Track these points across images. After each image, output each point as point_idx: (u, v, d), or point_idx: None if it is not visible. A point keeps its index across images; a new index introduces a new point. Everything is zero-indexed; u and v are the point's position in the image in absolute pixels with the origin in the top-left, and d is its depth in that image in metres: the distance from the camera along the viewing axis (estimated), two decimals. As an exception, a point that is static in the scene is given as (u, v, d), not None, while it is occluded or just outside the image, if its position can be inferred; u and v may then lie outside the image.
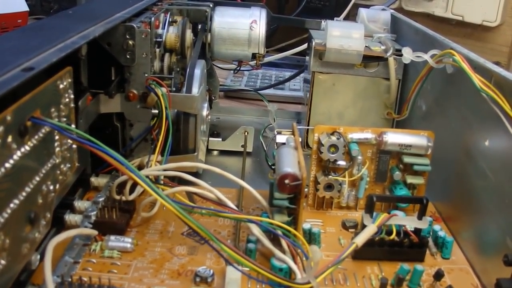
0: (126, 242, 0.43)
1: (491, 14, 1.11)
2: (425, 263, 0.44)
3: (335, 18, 0.74)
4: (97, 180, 0.50)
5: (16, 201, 0.31)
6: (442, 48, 0.51)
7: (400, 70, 0.65)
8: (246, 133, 0.68)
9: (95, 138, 0.36)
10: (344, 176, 0.50)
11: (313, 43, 0.64)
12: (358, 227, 0.47)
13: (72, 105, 0.39)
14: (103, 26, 0.44)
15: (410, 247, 0.44)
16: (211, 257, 0.43)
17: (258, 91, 0.87)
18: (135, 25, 0.49)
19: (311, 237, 0.45)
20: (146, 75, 0.51)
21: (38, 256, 0.35)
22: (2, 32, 0.97)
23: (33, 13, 1.17)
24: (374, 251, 0.44)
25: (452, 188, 0.51)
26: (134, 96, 0.52)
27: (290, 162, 0.43)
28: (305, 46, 0.83)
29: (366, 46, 0.63)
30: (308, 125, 0.67)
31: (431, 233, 0.47)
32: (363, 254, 0.43)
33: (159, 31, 0.55)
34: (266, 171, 0.61)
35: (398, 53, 0.63)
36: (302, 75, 0.91)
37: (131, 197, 0.46)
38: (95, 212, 0.44)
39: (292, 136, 0.49)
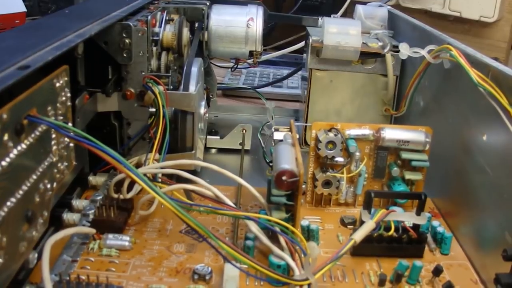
0: (124, 240, 0.43)
1: (489, 10, 1.11)
2: (424, 259, 0.44)
3: (332, 15, 0.74)
4: (95, 179, 0.50)
5: (13, 200, 0.31)
6: (439, 44, 0.51)
7: (397, 66, 0.65)
8: (244, 131, 0.68)
9: (92, 136, 0.36)
10: (342, 173, 0.50)
11: (310, 40, 0.64)
12: (357, 223, 0.47)
13: (69, 103, 0.39)
14: (99, 24, 0.44)
15: (408, 243, 0.44)
16: (209, 254, 0.43)
17: (256, 89, 0.87)
18: (131, 24, 0.49)
19: (309, 234, 0.45)
20: (143, 73, 0.51)
21: (36, 255, 0.35)
22: (-1, 32, 0.96)
23: (30, 13, 1.16)
24: (372, 247, 0.44)
25: (450, 183, 0.51)
26: (131, 94, 0.52)
27: (288, 159, 0.43)
28: (302, 44, 0.83)
29: (363, 43, 0.63)
30: (305, 122, 0.67)
31: (429, 229, 0.47)
32: (361, 250, 0.43)
33: (156, 29, 0.55)
34: (264, 169, 0.61)
35: (395, 49, 0.63)
36: (300, 73, 0.91)
37: (129, 196, 0.46)
38: (93, 211, 0.44)
39: (290, 133, 0.49)
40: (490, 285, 0.41)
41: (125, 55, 0.50)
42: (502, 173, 0.41)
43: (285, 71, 1.01)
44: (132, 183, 0.46)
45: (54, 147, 0.37)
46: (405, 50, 0.56)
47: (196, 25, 0.66)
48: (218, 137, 0.68)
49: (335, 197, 0.51)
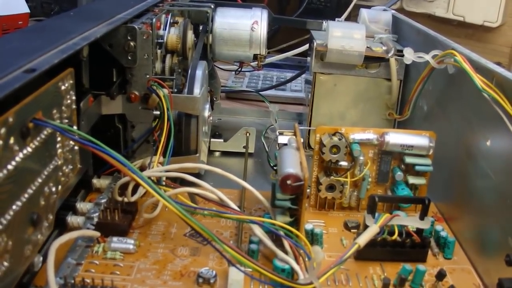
0: (128, 243, 0.43)
1: (492, 15, 1.11)
2: (427, 263, 0.44)
3: (336, 19, 0.74)
4: (99, 182, 0.50)
5: (19, 203, 0.31)
6: (444, 49, 0.51)
7: (401, 70, 0.65)
8: (247, 134, 0.68)
9: (97, 139, 0.36)
10: (346, 177, 0.50)
11: (315, 44, 0.64)
12: (360, 227, 0.47)
13: (74, 106, 0.39)
14: (104, 27, 0.45)
15: (412, 248, 0.44)
16: (213, 258, 0.43)
17: (260, 92, 0.87)
18: (136, 26, 0.49)
19: (313, 238, 0.45)
20: (148, 76, 0.51)
21: (41, 258, 0.35)
22: (3, 34, 0.97)
23: (33, 14, 1.17)
24: (376, 251, 0.44)
25: (454, 188, 0.51)
26: (135, 97, 0.52)
27: (292, 163, 0.43)
28: (306, 47, 0.83)
29: (367, 47, 0.63)
30: (309, 126, 0.67)
31: (433, 233, 0.47)
32: (365, 254, 0.43)
33: (161, 32, 0.55)
34: (268, 172, 0.61)
35: (399, 53, 0.63)
36: (303, 76, 0.91)
37: (133, 199, 0.46)
38: (97, 214, 0.44)
39: (294, 137, 0.49)
40: (493, 290, 0.41)
41: (129, 57, 0.50)
42: (505, 178, 0.41)
43: (289, 74, 1.01)
44: (137, 186, 0.46)
45: (59, 150, 0.37)
46: (409, 55, 0.56)
47: (201, 28, 0.66)
48: (222, 140, 0.68)
49: (339, 201, 0.51)
